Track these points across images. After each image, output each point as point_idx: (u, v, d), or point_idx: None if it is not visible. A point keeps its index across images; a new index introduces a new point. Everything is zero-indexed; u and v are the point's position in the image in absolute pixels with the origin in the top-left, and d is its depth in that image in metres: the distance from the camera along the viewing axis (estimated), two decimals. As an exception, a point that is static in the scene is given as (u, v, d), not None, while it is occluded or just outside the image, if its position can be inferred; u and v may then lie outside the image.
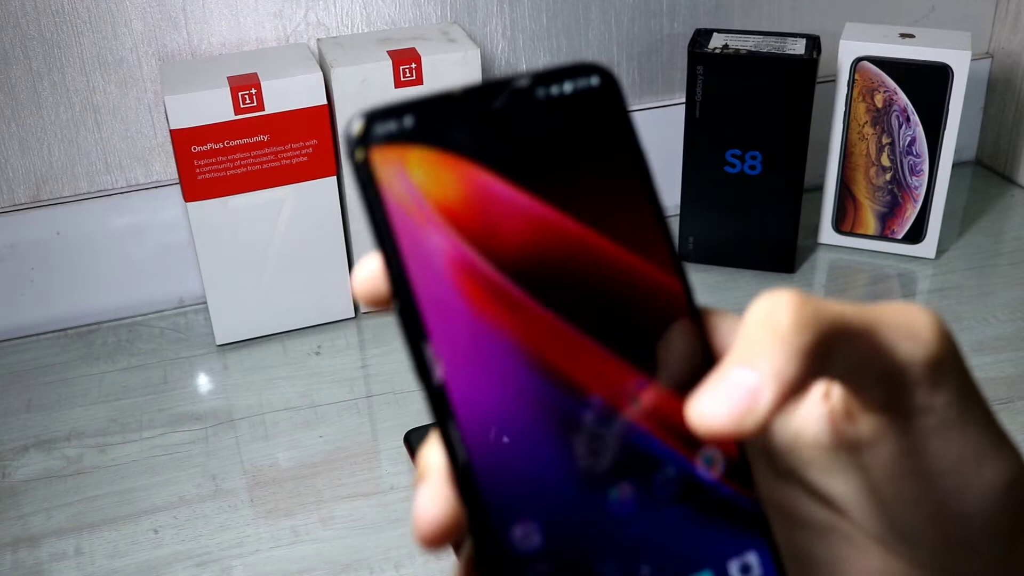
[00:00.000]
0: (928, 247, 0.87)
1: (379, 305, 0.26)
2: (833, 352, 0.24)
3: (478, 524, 0.25)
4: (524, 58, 0.87)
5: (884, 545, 0.28)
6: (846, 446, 0.26)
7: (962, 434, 0.25)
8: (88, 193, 0.80)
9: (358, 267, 0.25)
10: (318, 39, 0.79)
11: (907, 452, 0.26)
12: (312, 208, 0.77)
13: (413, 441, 0.67)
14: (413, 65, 0.74)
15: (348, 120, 0.25)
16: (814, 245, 0.90)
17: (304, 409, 0.72)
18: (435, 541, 0.26)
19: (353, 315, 0.82)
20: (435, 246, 0.25)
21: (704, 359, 0.27)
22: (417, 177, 0.25)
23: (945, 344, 0.25)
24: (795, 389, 0.23)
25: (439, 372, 0.25)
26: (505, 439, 0.25)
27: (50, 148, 0.78)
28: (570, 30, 0.87)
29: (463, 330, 0.25)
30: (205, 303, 0.81)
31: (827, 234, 0.89)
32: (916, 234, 0.87)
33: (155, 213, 0.81)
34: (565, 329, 0.26)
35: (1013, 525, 0.26)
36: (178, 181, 0.76)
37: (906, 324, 0.25)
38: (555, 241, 0.26)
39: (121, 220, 0.81)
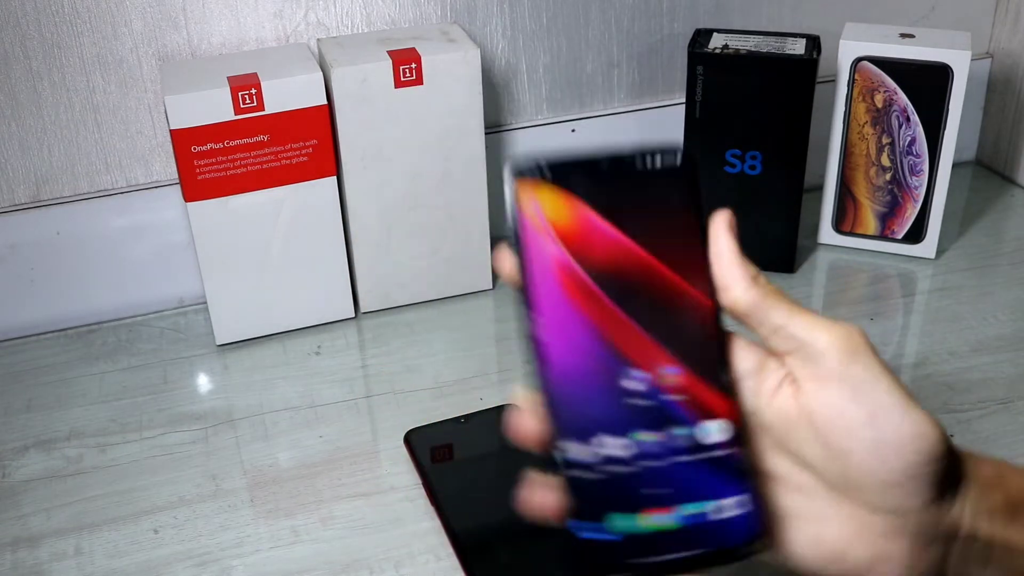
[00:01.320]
0: (928, 247, 0.87)
1: (510, 283, 0.39)
2: (761, 312, 0.39)
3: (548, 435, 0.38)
4: (524, 58, 0.87)
5: (847, 495, 0.39)
6: (804, 414, 0.38)
7: (873, 397, 0.37)
8: (88, 193, 0.80)
9: (502, 255, 0.39)
10: (318, 39, 0.79)
11: (839, 413, 0.38)
12: (312, 208, 0.77)
13: (413, 441, 0.67)
14: (413, 65, 0.74)
15: (512, 160, 0.39)
16: (814, 245, 0.90)
17: (304, 409, 0.72)
18: (522, 443, 0.39)
19: (353, 315, 0.82)
20: (547, 251, 0.39)
21: (719, 360, 0.39)
22: (545, 205, 0.39)
23: (854, 339, 0.38)
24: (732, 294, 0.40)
25: (535, 331, 0.38)
26: (569, 384, 0.38)
27: (50, 148, 0.79)
28: (570, 30, 0.87)
29: (555, 307, 0.38)
30: (205, 303, 0.81)
31: (827, 234, 0.89)
32: (916, 234, 0.87)
33: (155, 213, 0.81)
34: (625, 319, 0.39)
35: (927, 468, 0.37)
36: (178, 181, 0.76)
37: (826, 323, 0.39)
38: (629, 262, 0.39)
39: (121, 220, 0.81)
